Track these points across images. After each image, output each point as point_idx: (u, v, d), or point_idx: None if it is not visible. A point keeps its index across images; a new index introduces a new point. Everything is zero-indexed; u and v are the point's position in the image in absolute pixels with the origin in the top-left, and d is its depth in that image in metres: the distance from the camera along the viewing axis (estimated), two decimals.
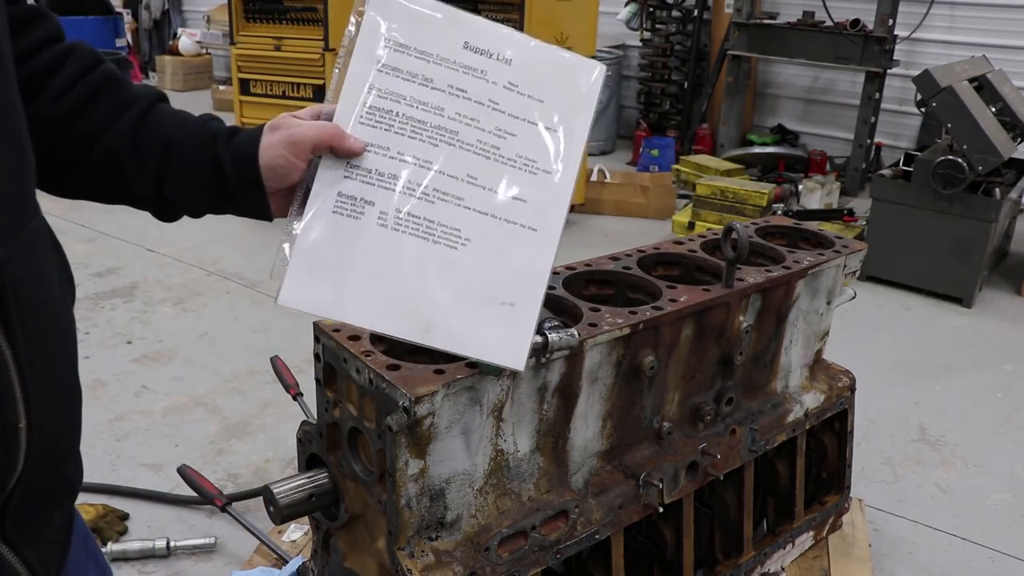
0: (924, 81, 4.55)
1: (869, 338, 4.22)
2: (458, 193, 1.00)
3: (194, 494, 2.60)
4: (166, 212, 1.05)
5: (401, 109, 1.00)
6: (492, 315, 1.01)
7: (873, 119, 6.69)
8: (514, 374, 1.48)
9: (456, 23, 1.03)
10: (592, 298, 1.81)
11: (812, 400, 2.28)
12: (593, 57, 5.48)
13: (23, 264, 0.77)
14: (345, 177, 0.98)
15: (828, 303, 2.25)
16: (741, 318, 1.94)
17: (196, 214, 1.06)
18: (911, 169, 4.79)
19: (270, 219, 1.06)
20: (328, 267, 0.98)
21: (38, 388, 0.78)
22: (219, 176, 1.00)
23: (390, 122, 1.00)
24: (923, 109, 5.01)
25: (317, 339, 1.55)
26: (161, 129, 1.00)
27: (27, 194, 0.82)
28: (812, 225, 2.41)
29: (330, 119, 1.00)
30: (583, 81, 1.07)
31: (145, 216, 1.09)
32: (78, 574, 1.01)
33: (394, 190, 0.98)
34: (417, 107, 1.01)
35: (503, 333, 1.01)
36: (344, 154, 0.97)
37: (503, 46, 1.04)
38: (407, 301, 0.98)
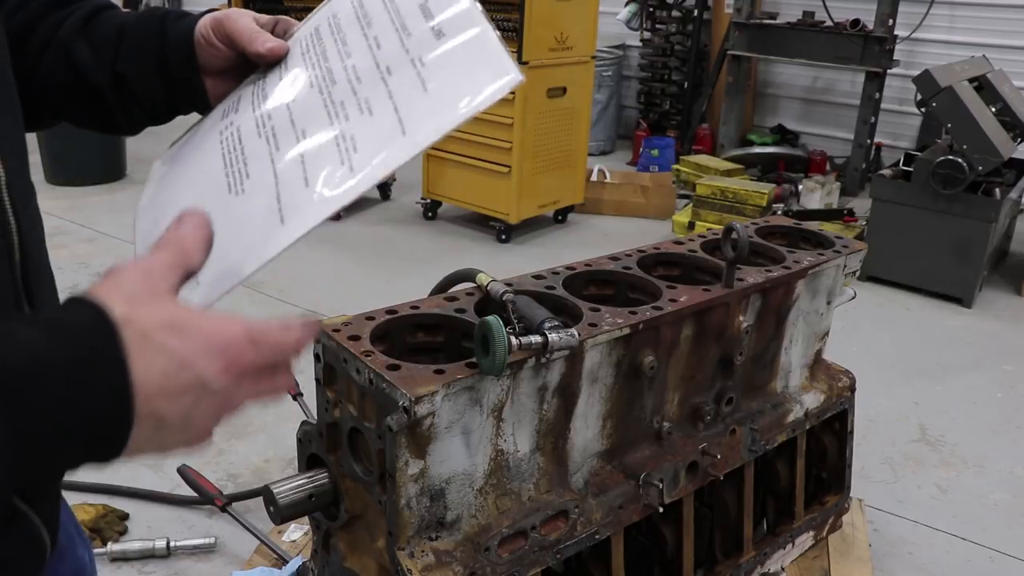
0: (924, 81, 4.55)
1: (869, 338, 4.22)
2: (279, 143, 0.88)
3: (194, 494, 2.60)
4: (125, 103, 1.02)
5: (328, 47, 0.93)
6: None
7: (873, 119, 6.69)
8: (514, 374, 1.48)
9: None
10: (592, 298, 1.81)
11: (812, 400, 2.28)
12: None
13: (32, 235, 0.83)
14: (252, 82, 0.97)
15: (828, 303, 2.25)
16: (741, 318, 1.94)
17: (148, 101, 1.02)
18: (911, 169, 4.79)
19: (207, 109, 1.03)
20: (181, 150, 0.99)
21: None
22: (163, 49, 0.99)
23: (308, 49, 0.95)
24: (923, 109, 5.01)
25: (317, 339, 1.55)
26: (114, 19, 1.02)
27: (28, 168, 0.86)
28: (812, 225, 2.41)
29: (285, 31, 1.00)
30: (480, 79, 0.83)
31: None
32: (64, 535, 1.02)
33: (252, 111, 0.94)
34: (340, 48, 0.92)
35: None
36: (252, 56, 0.96)
37: (451, 21, 0.86)
38: (166, 208, 0.92)
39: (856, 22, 6.40)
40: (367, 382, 1.40)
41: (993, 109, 4.81)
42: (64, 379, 0.54)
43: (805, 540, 2.41)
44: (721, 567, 2.17)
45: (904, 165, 5.01)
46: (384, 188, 6.24)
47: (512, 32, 5.01)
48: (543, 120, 5.29)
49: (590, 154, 6.28)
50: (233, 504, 2.56)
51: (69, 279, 4.39)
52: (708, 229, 2.99)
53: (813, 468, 2.44)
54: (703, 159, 6.72)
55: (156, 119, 1.07)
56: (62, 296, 0.77)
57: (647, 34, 7.97)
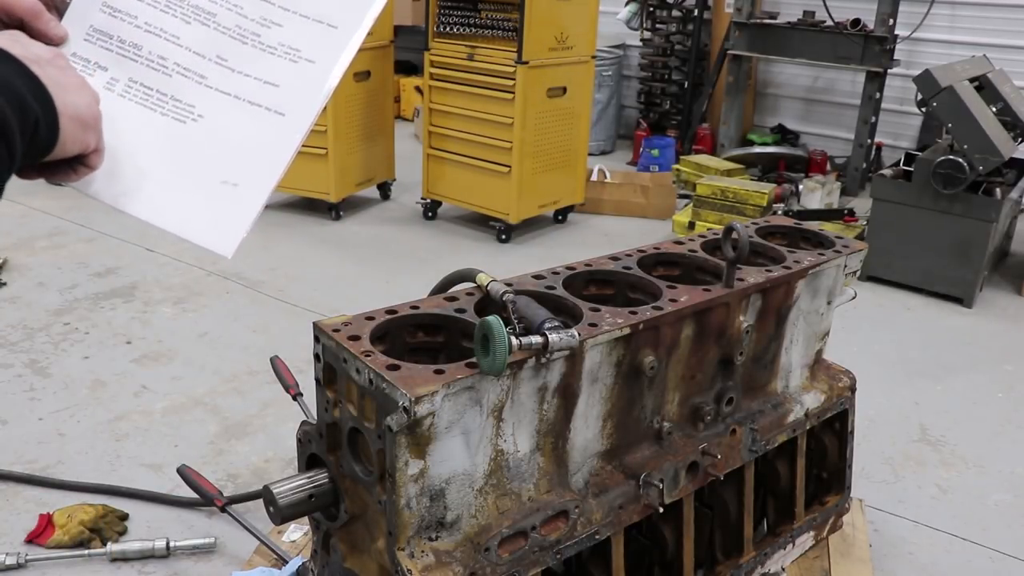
0: (925, 81, 4.55)
1: (869, 338, 4.22)
2: (201, 71, 0.98)
3: (194, 495, 2.59)
4: None
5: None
6: (208, 193, 0.95)
7: (873, 119, 6.69)
8: (514, 374, 1.48)
9: None
10: (592, 298, 1.81)
11: (812, 400, 2.28)
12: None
13: None
14: (85, 39, 0.97)
15: (828, 303, 2.25)
16: (741, 318, 1.94)
17: None
18: (912, 169, 4.79)
19: None
20: None
21: None
22: None
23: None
24: (924, 109, 5.01)
25: (317, 339, 1.54)
26: None
27: None
28: (812, 225, 2.41)
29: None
30: None
31: None
32: None
33: (134, 60, 0.97)
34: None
35: (217, 214, 0.95)
36: (38, 36, 0.91)
37: None
38: (110, 163, 0.94)
39: (856, 22, 6.40)
40: (367, 382, 1.40)
41: (994, 109, 4.80)
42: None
43: (805, 540, 2.41)
44: (721, 567, 2.17)
45: (905, 165, 5.01)
46: (384, 188, 6.23)
47: (512, 32, 5.01)
48: (543, 120, 5.29)
49: (590, 154, 6.28)
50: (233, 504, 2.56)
51: (69, 279, 4.38)
52: (708, 229, 2.99)
53: (813, 468, 2.44)
54: (703, 159, 6.72)
55: None
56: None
57: (647, 34, 7.96)
